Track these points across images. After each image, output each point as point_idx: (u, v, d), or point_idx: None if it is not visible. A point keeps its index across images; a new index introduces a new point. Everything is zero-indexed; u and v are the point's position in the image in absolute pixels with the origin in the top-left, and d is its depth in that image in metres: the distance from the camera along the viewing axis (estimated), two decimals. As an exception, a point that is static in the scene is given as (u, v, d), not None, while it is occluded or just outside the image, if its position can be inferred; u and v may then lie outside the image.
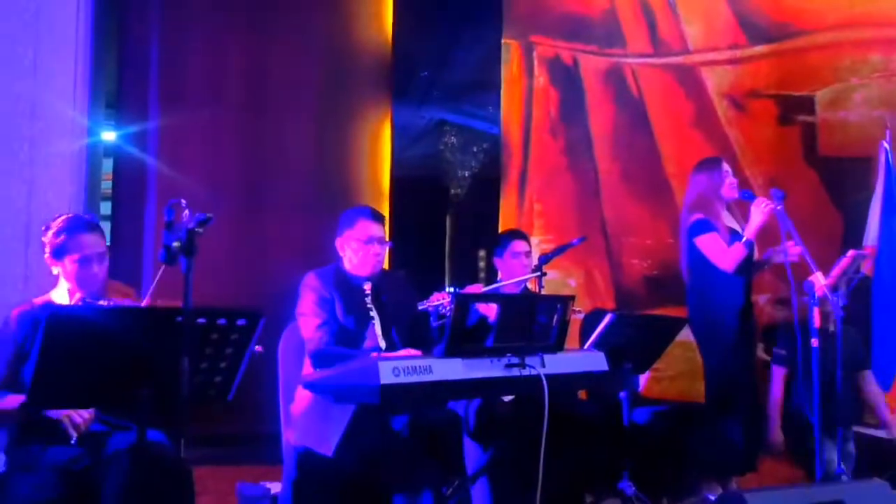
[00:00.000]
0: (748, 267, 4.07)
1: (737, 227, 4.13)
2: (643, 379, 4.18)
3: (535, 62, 6.11)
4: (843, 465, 3.85)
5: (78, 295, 2.83)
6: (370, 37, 6.44)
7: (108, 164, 6.37)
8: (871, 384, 4.44)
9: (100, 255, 2.85)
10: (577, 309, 3.64)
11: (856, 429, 4.97)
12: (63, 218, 2.89)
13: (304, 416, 3.13)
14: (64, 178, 4.87)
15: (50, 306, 2.81)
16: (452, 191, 7.95)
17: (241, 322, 2.37)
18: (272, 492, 3.98)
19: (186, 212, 2.38)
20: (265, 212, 6.06)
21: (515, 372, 2.79)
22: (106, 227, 6.25)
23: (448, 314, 2.85)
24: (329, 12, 6.27)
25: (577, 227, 5.98)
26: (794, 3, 6.32)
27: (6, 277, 4.35)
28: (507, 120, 6.10)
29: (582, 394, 4.50)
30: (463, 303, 2.81)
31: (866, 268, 4.91)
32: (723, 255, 3.99)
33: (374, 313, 3.32)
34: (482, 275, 7.42)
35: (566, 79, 6.12)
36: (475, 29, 6.47)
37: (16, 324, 2.76)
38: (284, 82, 6.16)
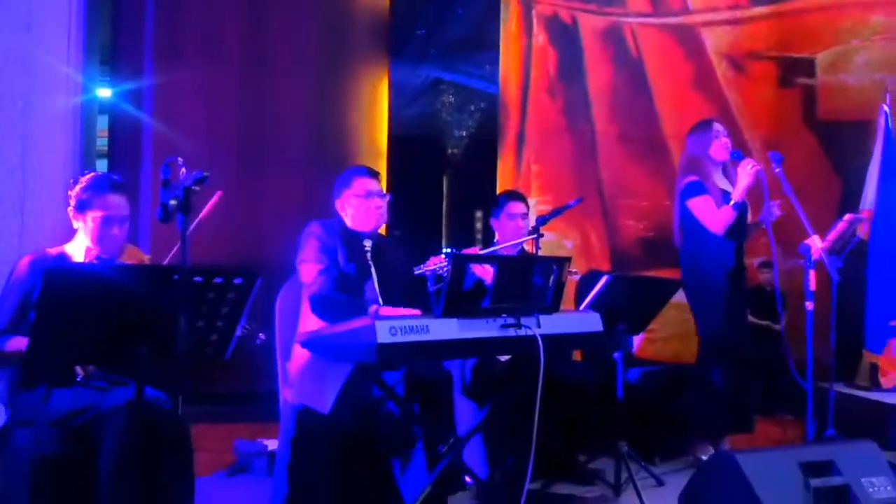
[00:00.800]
0: (740, 229, 4.07)
1: (730, 188, 4.12)
2: (637, 340, 4.21)
3: (534, 20, 6.05)
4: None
5: (93, 252, 2.83)
6: (367, -7, 6.37)
7: (103, 121, 6.32)
8: None
9: (122, 218, 2.85)
10: (573, 270, 3.65)
11: (847, 390, 5.04)
12: (92, 175, 2.89)
13: (301, 374, 3.14)
14: (58, 135, 4.83)
15: (62, 258, 2.82)
16: (449, 150, 7.92)
17: (237, 281, 2.37)
18: (269, 448, 4.02)
19: (183, 170, 2.37)
20: (263, 170, 6.04)
21: (511, 332, 2.80)
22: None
23: (445, 276, 2.85)
24: (327, -30, 6.21)
25: (574, 188, 5.98)
26: (795, -37, 6.27)
27: (1, 234, 4.34)
28: (506, 79, 6.07)
29: (577, 354, 4.53)
30: (460, 264, 2.81)
31: (863, 232, 4.92)
32: (713, 217, 3.99)
33: (373, 270, 3.34)
34: (479, 235, 7.43)
35: (565, 38, 6.07)
36: (474, -15, 6.41)
37: (26, 271, 2.76)
38: (282, 39, 6.11)
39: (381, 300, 3.25)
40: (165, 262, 2.84)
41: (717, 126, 4.16)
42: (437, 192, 7.97)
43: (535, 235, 3.91)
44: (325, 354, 2.88)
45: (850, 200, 5.72)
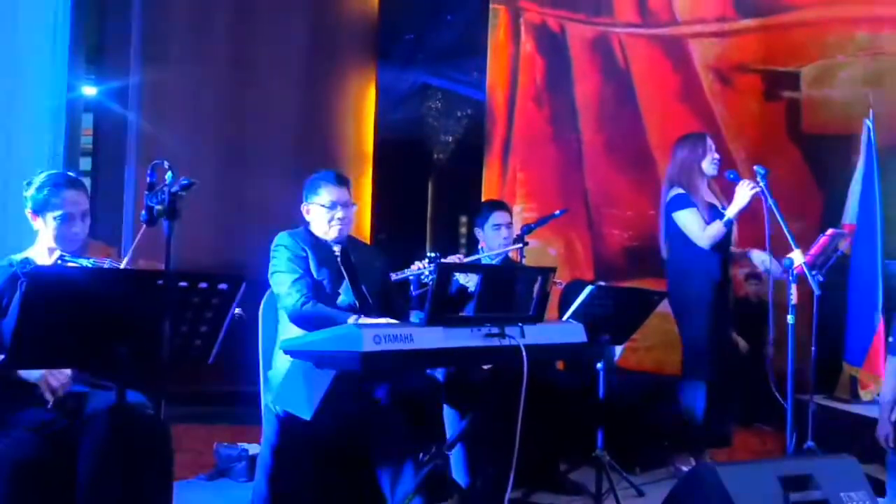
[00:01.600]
0: (725, 244, 4.10)
1: (716, 202, 4.14)
2: (619, 349, 4.22)
3: (523, 28, 6.07)
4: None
5: (57, 252, 2.79)
6: (356, -2, 6.37)
7: (87, 120, 6.28)
8: None
9: (82, 213, 2.82)
10: (557, 281, 3.66)
11: (827, 402, 5.07)
12: (46, 173, 2.85)
13: (283, 380, 3.13)
14: (42, 133, 4.81)
15: (27, 262, 2.78)
16: (435, 155, 7.90)
17: (222, 286, 2.36)
18: (249, 452, 4.00)
19: (169, 173, 2.36)
20: (247, 171, 6.02)
21: (495, 342, 2.80)
22: (85, 182, 6.21)
23: (429, 282, 2.85)
24: (316, -28, 6.20)
25: (559, 196, 6.00)
26: (782, -22, 6.32)
27: (-17, 232, 4.31)
28: (493, 87, 6.08)
29: (559, 363, 4.54)
30: (445, 272, 2.82)
31: (845, 246, 4.95)
32: (700, 232, 4.01)
33: (345, 273, 3.33)
34: (463, 240, 7.43)
35: (553, 46, 6.09)
36: (463, -8, 6.42)
37: None
38: (270, 41, 6.09)
39: (357, 303, 3.24)
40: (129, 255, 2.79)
41: (710, 142, 4.19)
42: (423, 197, 7.95)
43: (519, 245, 3.92)
44: (309, 361, 2.87)
45: (832, 213, 5.77)
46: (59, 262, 2.75)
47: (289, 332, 3.19)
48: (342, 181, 3.39)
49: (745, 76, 6.29)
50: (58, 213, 2.76)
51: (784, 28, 6.31)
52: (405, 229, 7.27)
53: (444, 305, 2.77)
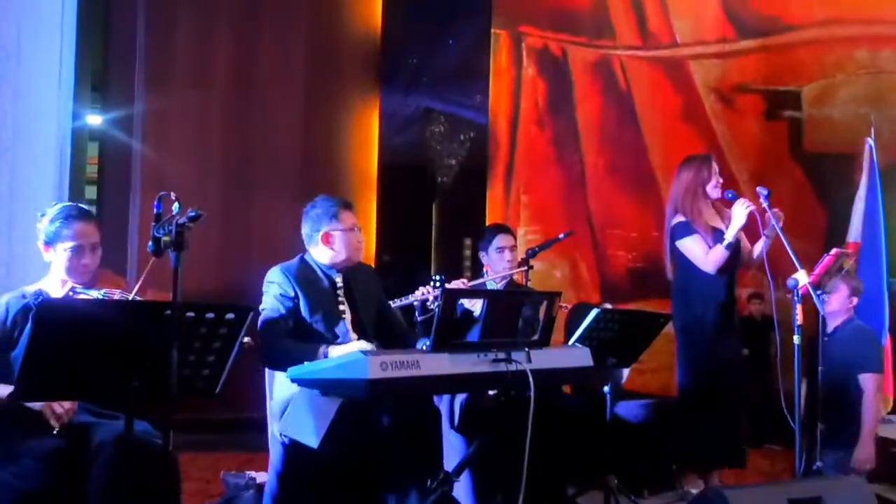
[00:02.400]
0: (731, 265, 4.10)
1: (721, 224, 4.14)
2: (626, 372, 4.21)
3: (524, 52, 6.11)
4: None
5: (69, 284, 2.82)
6: (359, 23, 6.41)
7: (93, 148, 6.31)
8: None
9: (93, 245, 2.85)
10: (563, 304, 3.66)
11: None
12: (58, 206, 2.88)
13: (290, 408, 3.13)
14: (48, 162, 4.83)
15: (40, 294, 2.81)
16: (439, 179, 7.92)
17: (229, 316, 2.37)
18: (257, 481, 3.99)
19: (176, 204, 2.37)
20: (252, 196, 6.05)
21: (502, 367, 2.80)
22: (91, 210, 6.24)
23: (435, 308, 2.85)
24: (318, -2, 6.25)
25: (563, 218, 6.01)
26: (782, -2, 6.36)
27: (-11, 261, 4.33)
28: (495, 110, 6.11)
29: (566, 387, 4.53)
30: (450, 298, 2.82)
31: (850, 265, 4.95)
32: (704, 257, 4.02)
33: (345, 307, 3.31)
34: (467, 263, 7.43)
35: (555, 70, 6.12)
36: (465, 17, 6.45)
37: (4, 310, 2.75)
38: (272, 68, 6.14)
39: (354, 337, 3.22)
40: (138, 285, 2.81)
41: (714, 165, 4.19)
42: (427, 220, 7.96)
43: (524, 269, 3.92)
44: (315, 388, 2.86)
45: (836, 231, 5.78)
46: (71, 293, 2.78)
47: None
48: (351, 205, 3.41)
49: (747, 96, 6.32)
50: (69, 244, 2.79)
51: (784, 48, 6.35)
52: (409, 253, 7.27)
53: (449, 331, 2.77)
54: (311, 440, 2.91)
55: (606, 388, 3.71)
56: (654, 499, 4.11)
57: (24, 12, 4.68)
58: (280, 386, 3.16)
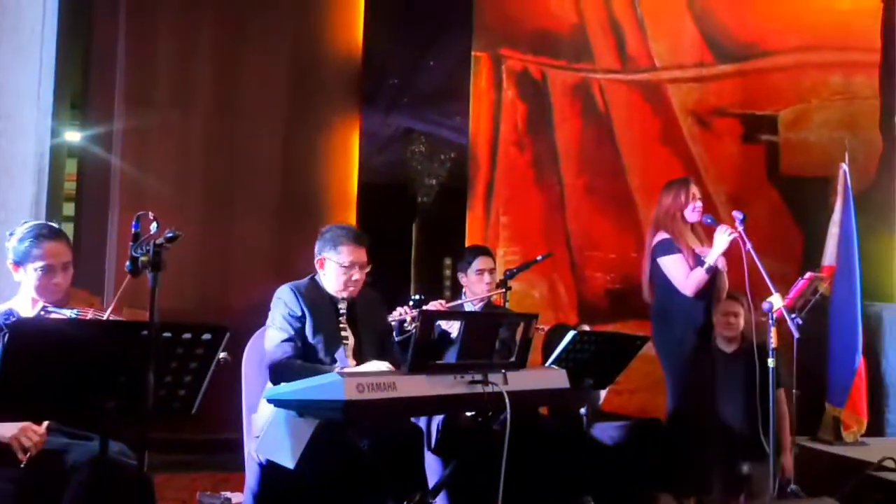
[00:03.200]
0: (710, 288, 4.14)
1: (700, 247, 4.18)
2: (603, 393, 4.23)
3: (504, 75, 6.15)
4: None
5: (41, 304, 2.80)
6: (340, 43, 6.43)
7: (71, 165, 6.29)
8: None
9: (64, 265, 2.83)
10: (540, 327, 3.68)
11: (810, 444, 5.09)
12: (28, 224, 2.86)
13: (266, 428, 3.12)
14: (25, 180, 4.80)
15: (10, 313, 2.78)
16: (419, 198, 7.94)
17: (206, 337, 2.37)
18: (233, 501, 3.97)
19: (154, 224, 2.37)
20: (232, 216, 6.03)
21: (478, 389, 2.82)
22: (69, 228, 6.20)
23: (412, 329, 2.86)
24: (299, 17, 6.26)
25: (542, 239, 6.03)
26: (759, 24, 6.45)
27: (-35, 279, 4.28)
28: (475, 132, 6.14)
29: (543, 408, 4.53)
30: (428, 320, 2.83)
31: (824, 288, 5.01)
32: (684, 278, 4.05)
33: (346, 333, 3.32)
34: (447, 283, 7.44)
35: (534, 92, 6.16)
36: (446, 39, 6.49)
37: None
38: (253, 87, 6.14)
39: (353, 363, 3.23)
40: (112, 305, 2.80)
41: (694, 189, 4.23)
42: (407, 240, 7.97)
43: (502, 290, 3.94)
44: (292, 409, 2.86)
45: (812, 254, 5.84)
46: (42, 312, 2.76)
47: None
48: (362, 241, 3.36)
49: (724, 120, 6.39)
50: (39, 264, 2.77)
51: (761, 73, 6.44)
52: (389, 271, 7.27)
53: (426, 353, 2.79)
54: (288, 461, 2.91)
55: (583, 410, 3.72)
56: (631, 521, 4.11)
57: (3, 29, 4.67)
58: (266, 405, 3.15)
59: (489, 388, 2.82)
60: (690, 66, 6.36)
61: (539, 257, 4.35)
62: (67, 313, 2.76)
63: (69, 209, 6.26)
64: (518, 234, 6.08)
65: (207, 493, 4.12)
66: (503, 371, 2.90)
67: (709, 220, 4.08)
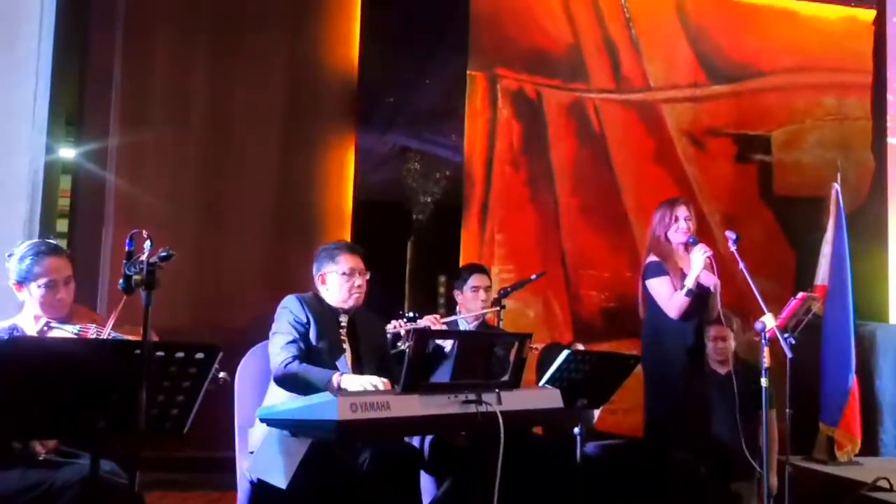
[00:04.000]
0: (699, 308, 4.14)
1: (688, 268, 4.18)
2: (597, 412, 4.22)
3: (500, 94, 6.18)
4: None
5: (44, 320, 2.80)
6: (336, 61, 6.45)
7: (65, 181, 6.28)
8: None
9: (66, 279, 2.85)
10: (534, 346, 3.68)
11: (804, 464, 5.08)
12: (27, 243, 2.87)
13: (259, 447, 3.11)
14: (20, 196, 4.80)
15: (14, 328, 2.80)
16: (414, 216, 7.95)
17: (199, 356, 2.36)
18: (224, 521, 3.94)
19: (148, 242, 2.37)
20: (226, 233, 6.03)
21: (472, 408, 2.81)
22: (61, 244, 6.18)
23: (406, 348, 2.86)
24: (295, 36, 6.28)
25: (537, 258, 6.04)
26: (753, 45, 6.51)
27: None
28: (470, 151, 6.16)
29: (537, 427, 4.53)
30: (422, 340, 2.83)
31: (817, 308, 5.02)
32: (668, 301, 4.06)
33: (346, 345, 3.33)
34: (441, 300, 7.44)
35: (529, 111, 6.20)
36: (441, 58, 6.52)
37: None
38: (248, 104, 6.15)
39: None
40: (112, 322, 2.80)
41: (680, 210, 4.22)
42: (402, 258, 7.98)
43: (496, 308, 3.94)
44: (285, 429, 2.85)
45: (805, 274, 5.86)
46: (45, 328, 2.77)
47: (275, 397, 3.18)
48: (357, 250, 3.45)
49: (718, 140, 6.43)
50: (42, 281, 2.79)
51: (754, 93, 6.49)
52: (384, 289, 7.26)
53: (420, 373, 2.78)
54: (280, 481, 2.90)
55: (577, 429, 3.72)
56: (624, 540, 4.10)
57: (0, 47, 4.68)
58: (260, 422, 3.13)
59: (483, 408, 2.82)
60: (685, 87, 6.41)
61: (533, 276, 4.35)
62: (70, 329, 2.77)
63: (62, 225, 6.25)
64: (513, 252, 6.09)
65: (199, 512, 4.09)
66: (497, 391, 2.89)
67: (692, 241, 4.10)
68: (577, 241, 6.16)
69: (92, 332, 2.76)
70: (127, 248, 2.39)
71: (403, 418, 2.68)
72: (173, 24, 6.08)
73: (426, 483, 3.48)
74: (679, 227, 4.18)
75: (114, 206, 5.91)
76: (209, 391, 2.48)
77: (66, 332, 2.76)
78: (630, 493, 4.30)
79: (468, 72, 6.19)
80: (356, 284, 3.35)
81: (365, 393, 2.75)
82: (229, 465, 3.38)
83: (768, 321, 3.59)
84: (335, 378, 3.03)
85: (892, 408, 5.83)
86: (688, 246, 4.14)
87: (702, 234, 4.33)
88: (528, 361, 3.24)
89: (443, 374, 3.03)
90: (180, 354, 2.33)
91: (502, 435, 2.80)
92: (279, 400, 3.09)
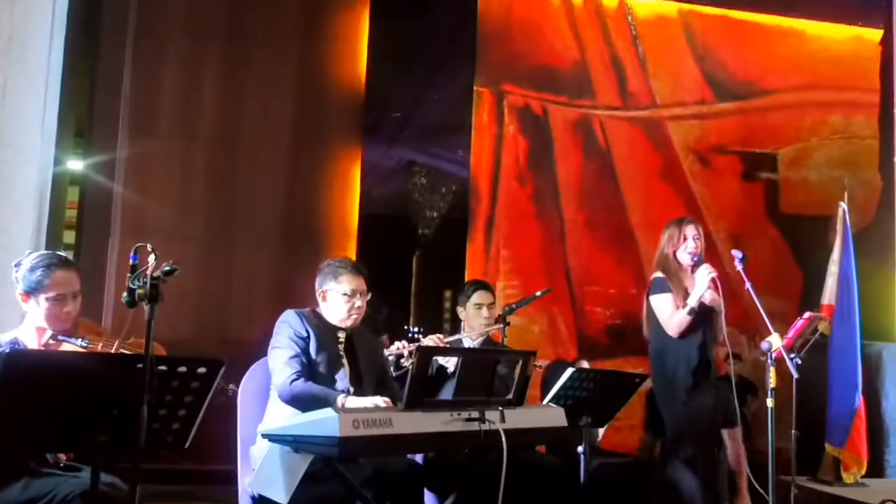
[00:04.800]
0: (703, 326, 4.12)
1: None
2: (601, 430, 4.20)
3: (506, 110, 6.19)
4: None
5: (49, 333, 2.79)
6: (344, 76, 6.48)
7: (73, 192, 6.31)
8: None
9: (74, 293, 2.83)
10: (538, 364, 3.67)
11: (810, 484, 5.05)
12: (36, 254, 2.86)
13: (261, 462, 3.10)
14: (27, 208, 4.80)
15: (15, 342, 2.79)
16: (420, 230, 7.96)
17: (201, 370, 2.36)
18: (226, 535, 3.92)
19: (153, 256, 2.37)
20: (233, 245, 6.04)
21: (475, 426, 2.80)
22: (68, 255, 6.20)
23: (409, 366, 2.85)
24: (303, 50, 6.32)
25: (542, 274, 6.04)
26: (759, 63, 6.52)
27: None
28: (477, 166, 6.17)
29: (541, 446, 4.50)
30: (425, 357, 2.82)
31: (823, 327, 4.99)
32: (668, 319, 4.05)
33: (344, 360, 3.32)
34: (447, 315, 7.43)
35: (535, 128, 6.21)
36: (448, 74, 6.55)
37: None
38: (257, 118, 6.18)
39: (352, 389, 3.23)
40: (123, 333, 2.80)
41: (689, 229, 4.20)
42: (407, 272, 7.98)
43: (500, 326, 3.93)
44: (286, 444, 2.84)
45: (812, 292, 5.83)
46: (51, 341, 2.76)
47: (276, 412, 3.18)
48: (360, 270, 3.42)
49: (724, 157, 6.43)
50: (51, 293, 2.77)
51: (761, 111, 6.50)
52: (390, 303, 7.28)
53: (423, 389, 2.77)
54: (281, 496, 2.88)
55: (581, 448, 3.69)
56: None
57: (10, 57, 4.70)
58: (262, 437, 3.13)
59: (486, 426, 2.80)
60: (691, 104, 6.42)
61: (538, 293, 4.34)
62: (77, 342, 2.75)
63: (69, 237, 6.27)
64: (518, 267, 6.09)
65: (200, 526, 4.08)
66: (500, 408, 2.88)
67: (697, 259, 4.09)
68: (583, 257, 6.16)
69: (100, 346, 2.75)
70: (131, 261, 2.39)
71: (406, 435, 2.67)
72: (183, 38, 6.13)
73: (429, 500, 3.46)
74: (688, 246, 4.16)
75: (121, 218, 5.94)
76: (214, 404, 2.48)
77: (73, 345, 2.75)
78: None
79: (475, 87, 6.21)
80: (356, 305, 3.35)
81: (367, 409, 2.74)
82: (230, 478, 3.37)
83: (775, 341, 3.57)
84: (340, 400, 3.03)
85: (899, 429, 5.79)
86: (694, 266, 4.13)
87: (708, 252, 4.31)
88: (533, 378, 3.23)
89: (446, 393, 3.03)
90: (183, 369, 2.32)
91: (505, 453, 2.78)
92: (280, 415, 3.08)
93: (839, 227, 5.48)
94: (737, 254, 3.82)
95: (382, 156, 7.44)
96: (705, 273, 3.94)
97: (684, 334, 4.05)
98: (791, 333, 3.95)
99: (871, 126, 6.57)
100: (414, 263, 8.01)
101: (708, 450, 4.17)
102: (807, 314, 4.18)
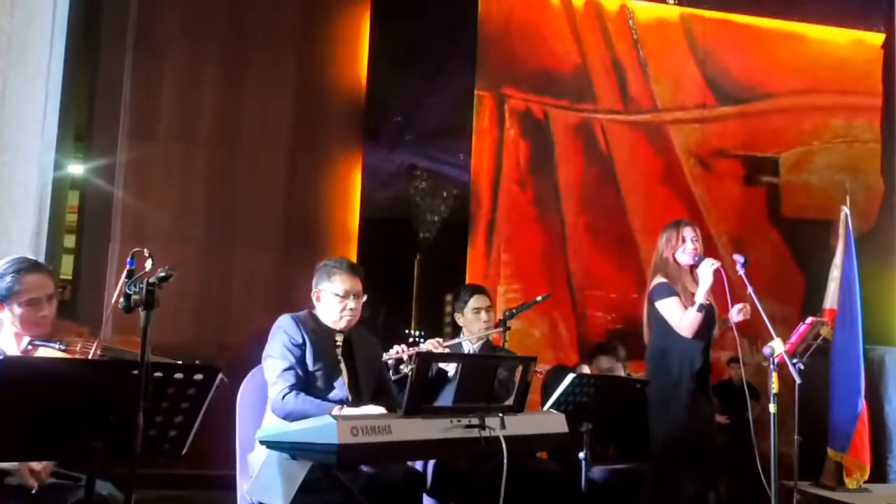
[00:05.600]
0: (707, 328, 4.10)
1: (696, 288, 4.15)
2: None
3: (507, 114, 6.18)
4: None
5: (27, 339, 2.74)
6: (345, 80, 6.47)
7: (73, 197, 6.30)
8: None
9: (49, 296, 2.77)
10: (538, 370, 3.64)
11: (812, 490, 5.03)
12: (8, 260, 2.80)
13: (259, 469, 3.08)
14: (27, 211, 4.80)
15: None
16: (421, 234, 7.95)
17: (198, 377, 2.34)
18: (224, 541, 3.90)
19: (149, 261, 2.35)
20: (233, 249, 6.03)
21: (475, 433, 2.78)
22: (69, 259, 6.20)
23: (408, 371, 2.83)
24: (303, 53, 6.31)
25: (543, 278, 6.02)
26: (760, 67, 6.50)
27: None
28: (477, 170, 6.16)
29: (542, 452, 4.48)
30: (424, 362, 2.80)
31: (826, 332, 4.96)
32: (679, 320, 4.02)
33: (342, 366, 3.29)
34: (448, 319, 7.42)
35: (536, 132, 6.20)
36: (449, 78, 6.54)
37: None
38: (257, 122, 6.17)
39: (350, 396, 3.20)
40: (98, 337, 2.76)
41: (686, 230, 4.18)
42: (408, 275, 7.97)
43: (500, 329, 3.90)
44: (285, 451, 2.82)
45: (814, 296, 5.81)
46: (29, 347, 2.71)
47: (273, 419, 3.15)
48: (356, 271, 3.36)
49: (725, 161, 6.42)
50: (24, 298, 2.72)
51: (762, 115, 6.48)
52: (391, 307, 7.26)
53: (422, 396, 2.75)
54: (280, 503, 2.86)
55: (582, 454, 3.67)
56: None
57: (10, 61, 4.69)
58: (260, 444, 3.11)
59: (486, 433, 2.78)
60: (692, 108, 6.40)
61: (539, 298, 4.31)
62: (55, 346, 2.70)
63: (70, 241, 6.25)
64: (519, 271, 6.07)
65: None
66: (500, 415, 2.86)
67: (697, 259, 4.07)
68: (584, 261, 6.14)
69: (78, 347, 2.70)
70: (128, 266, 2.37)
71: (405, 442, 2.65)
72: (182, 43, 6.12)
73: (429, 507, 3.45)
74: (686, 248, 4.14)
75: (121, 222, 5.92)
76: (210, 402, 2.46)
77: (51, 349, 2.69)
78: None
79: (475, 91, 6.20)
80: (349, 307, 3.28)
81: (366, 416, 2.71)
82: (227, 483, 3.35)
83: (777, 346, 3.55)
84: (335, 412, 3.00)
85: (901, 434, 5.76)
86: (694, 267, 4.11)
87: (709, 255, 4.29)
88: (533, 384, 3.21)
89: (446, 398, 3.00)
90: (179, 375, 2.30)
91: (506, 460, 2.76)
92: (278, 421, 3.06)
93: (841, 230, 5.46)
94: (738, 258, 3.80)
95: (383, 159, 7.42)
96: (708, 266, 3.92)
97: (697, 333, 4.03)
98: (793, 338, 3.92)
99: (873, 130, 6.55)
100: (415, 267, 7.99)
101: (706, 454, 4.14)
102: (809, 319, 4.15)
